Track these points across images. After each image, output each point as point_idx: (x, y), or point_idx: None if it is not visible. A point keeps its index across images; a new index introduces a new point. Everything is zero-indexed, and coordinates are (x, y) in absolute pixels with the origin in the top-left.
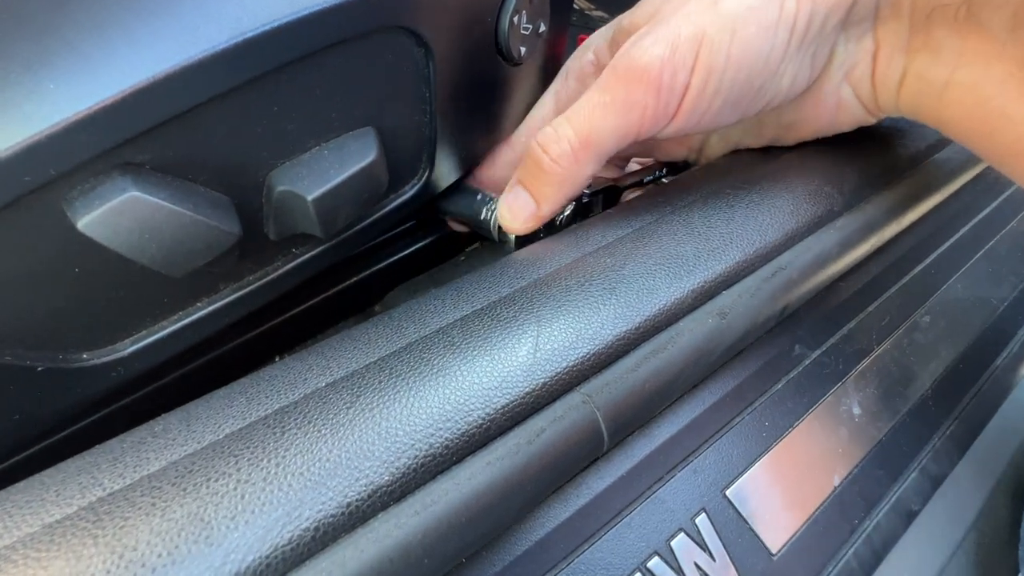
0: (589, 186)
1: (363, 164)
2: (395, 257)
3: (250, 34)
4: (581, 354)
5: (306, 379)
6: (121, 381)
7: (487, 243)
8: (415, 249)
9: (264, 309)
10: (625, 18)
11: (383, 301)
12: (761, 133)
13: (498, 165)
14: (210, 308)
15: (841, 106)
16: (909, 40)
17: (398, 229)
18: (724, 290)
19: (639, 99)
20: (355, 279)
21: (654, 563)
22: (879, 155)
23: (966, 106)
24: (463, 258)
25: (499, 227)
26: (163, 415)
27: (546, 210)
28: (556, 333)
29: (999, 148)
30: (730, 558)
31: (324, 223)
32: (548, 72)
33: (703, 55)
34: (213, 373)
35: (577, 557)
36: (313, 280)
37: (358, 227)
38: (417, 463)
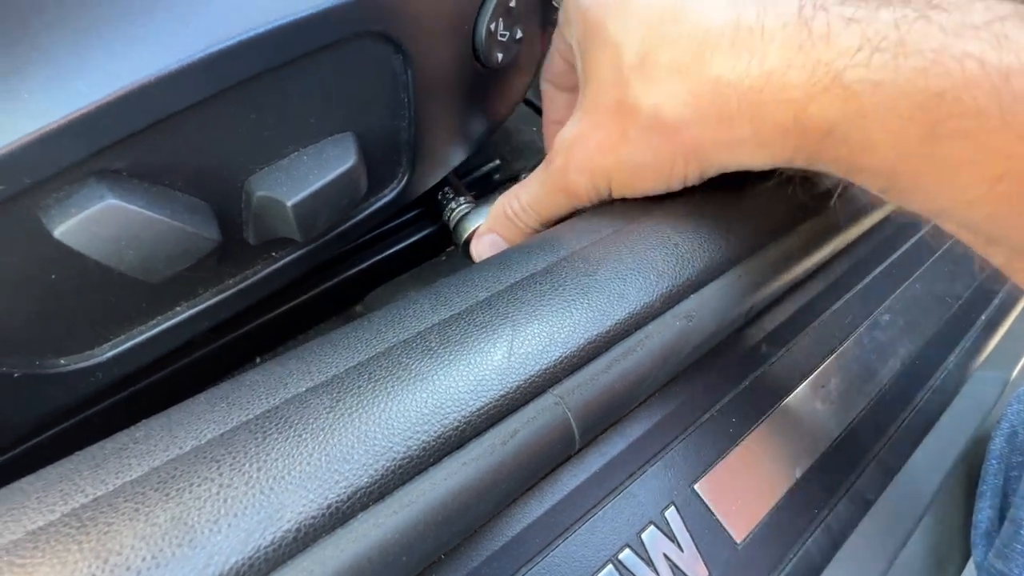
0: None
1: (342, 169)
2: (376, 258)
3: (227, 43)
4: (554, 357)
5: (287, 384)
6: (99, 386)
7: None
8: (396, 250)
9: (245, 310)
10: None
11: (364, 301)
12: None
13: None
14: (189, 312)
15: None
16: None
17: (378, 230)
18: (692, 293)
19: (574, 203)
20: (336, 280)
21: (625, 555)
22: None
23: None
24: (444, 258)
25: (455, 229)
26: (144, 421)
27: None
28: (530, 337)
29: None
30: (697, 549)
31: (303, 228)
32: (527, 76)
33: (615, 188)
34: (194, 375)
35: (552, 551)
36: (294, 281)
37: (338, 230)
38: (395, 465)
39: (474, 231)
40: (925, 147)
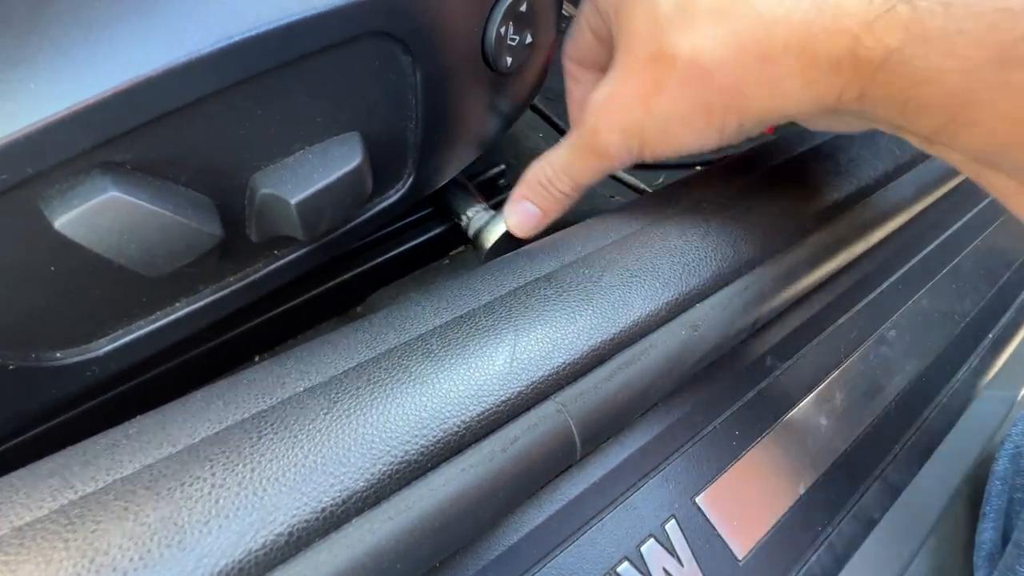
0: None
1: (347, 169)
2: (379, 259)
3: (236, 39)
4: (557, 364)
5: (284, 383)
6: (96, 381)
7: (471, 247)
8: (398, 252)
9: (245, 309)
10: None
11: (365, 303)
12: None
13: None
14: (189, 309)
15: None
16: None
17: (382, 232)
18: (697, 303)
19: (606, 165)
20: (337, 280)
21: (624, 568)
22: (849, 175)
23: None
24: (447, 261)
25: (475, 234)
26: (138, 417)
27: (550, 218)
28: (533, 343)
29: None
30: (698, 563)
31: (307, 226)
32: (536, 81)
33: (646, 147)
34: (193, 372)
35: (550, 562)
36: (295, 281)
37: (341, 230)
38: (392, 469)
39: (499, 239)
40: (996, 73)
